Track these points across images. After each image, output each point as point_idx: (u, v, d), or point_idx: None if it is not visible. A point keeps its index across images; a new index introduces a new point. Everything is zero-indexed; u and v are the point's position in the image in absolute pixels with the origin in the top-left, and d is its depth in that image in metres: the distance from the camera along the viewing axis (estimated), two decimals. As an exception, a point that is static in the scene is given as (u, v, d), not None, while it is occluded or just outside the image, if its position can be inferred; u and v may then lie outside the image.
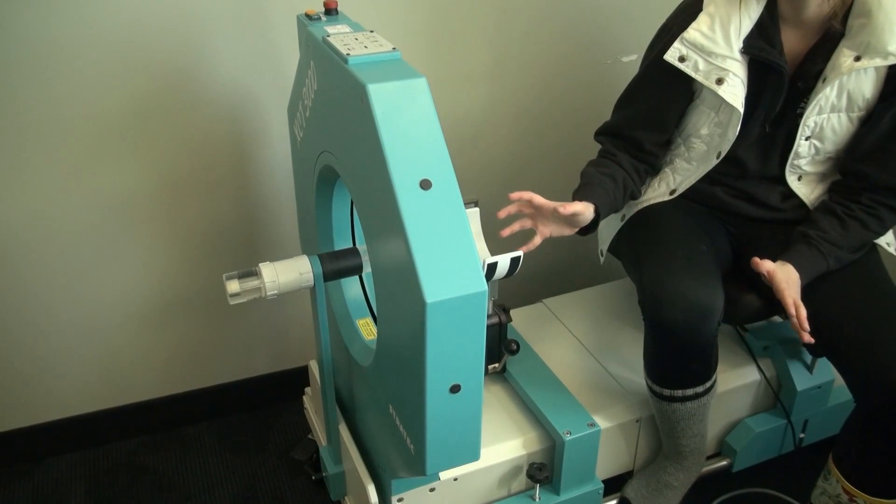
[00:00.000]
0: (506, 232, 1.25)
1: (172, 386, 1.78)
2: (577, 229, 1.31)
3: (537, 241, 1.28)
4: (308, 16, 1.22)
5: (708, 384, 1.35)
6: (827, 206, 1.32)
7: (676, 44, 1.28)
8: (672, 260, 1.30)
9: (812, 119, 1.28)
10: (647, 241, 1.38)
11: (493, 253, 1.23)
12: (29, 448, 1.70)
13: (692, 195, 1.43)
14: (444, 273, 0.90)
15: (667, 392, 1.34)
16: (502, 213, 1.26)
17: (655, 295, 1.27)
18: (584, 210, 1.27)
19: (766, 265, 1.24)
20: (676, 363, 1.32)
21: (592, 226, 1.33)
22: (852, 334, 1.26)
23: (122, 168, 1.49)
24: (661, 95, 1.36)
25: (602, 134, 1.45)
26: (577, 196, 1.31)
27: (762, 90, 1.29)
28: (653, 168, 1.44)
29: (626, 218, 1.46)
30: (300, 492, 1.64)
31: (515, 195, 1.25)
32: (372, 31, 1.11)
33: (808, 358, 1.52)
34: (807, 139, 1.31)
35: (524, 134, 1.80)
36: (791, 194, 1.38)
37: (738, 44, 1.26)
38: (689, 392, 1.33)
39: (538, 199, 1.24)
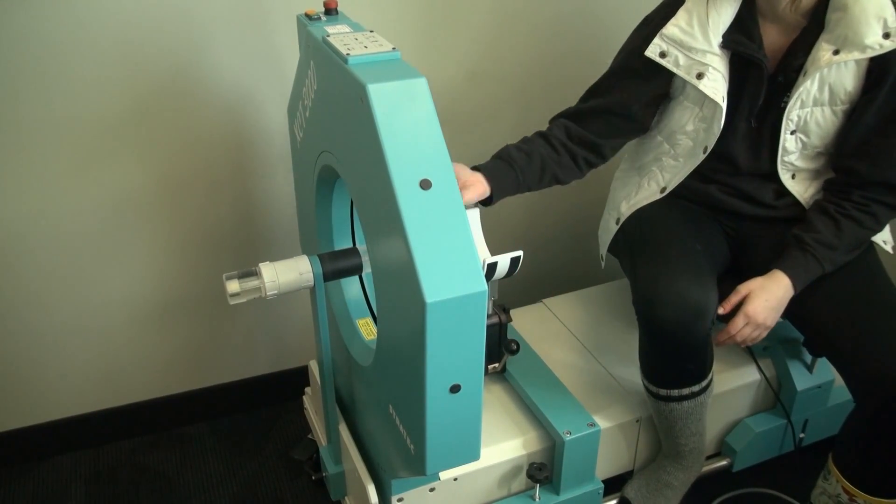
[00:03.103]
0: None
1: (172, 386, 1.77)
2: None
3: None
4: (308, 16, 1.22)
5: (704, 383, 1.35)
6: (820, 206, 1.32)
7: (656, 40, 1.29)
8: (664, 259, 1.30)
9: (795, 113, 1.29)
10: (641, 242, 1.39)
11: (493, 253, 1.23)
12: (29, 448, 1.70)
13: (687, 194, 1.43)
14: (443, 273, 0.90)
15: (663, 392, 1.34)
16: None
17: (648, 294, 1.27)
18: (471, 180, 1.23)
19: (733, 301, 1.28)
20: (671, 363, 1.32)
21: (489, 200, 1.29)
22: (851, 334, 1.26)
23: (122, 168, 1.49)
24: (638, 87, 1.35)
25: (562, 117, 1.40)
26: (480, 167, 1.28)
27: (744, 84, 1.29)
28: (599, 158, 1.38)
29: (622, 220, 1.46)
30: (300, 492, 1.64)
31: None
32: (372, 31, 1.11)
33: (808, 358, 1.52)
34: (792, 133, 1.31)
35: (525, 133, 1.79)
36: (785, 192, 1.37)
37: (717, 38, 1.26)
38: (686, 391, 1.33)
39: None
